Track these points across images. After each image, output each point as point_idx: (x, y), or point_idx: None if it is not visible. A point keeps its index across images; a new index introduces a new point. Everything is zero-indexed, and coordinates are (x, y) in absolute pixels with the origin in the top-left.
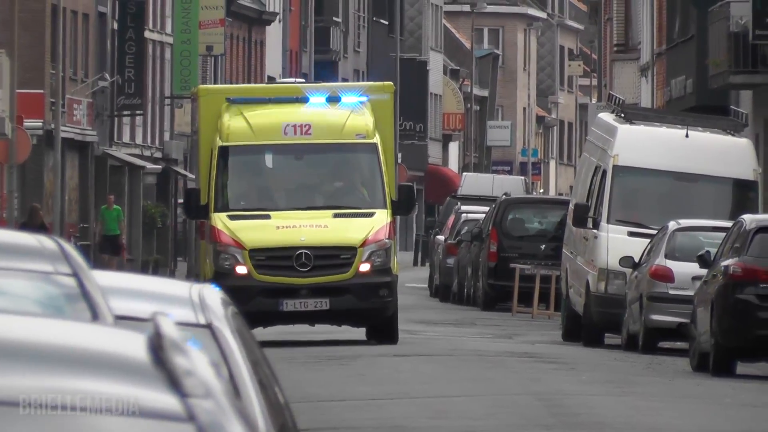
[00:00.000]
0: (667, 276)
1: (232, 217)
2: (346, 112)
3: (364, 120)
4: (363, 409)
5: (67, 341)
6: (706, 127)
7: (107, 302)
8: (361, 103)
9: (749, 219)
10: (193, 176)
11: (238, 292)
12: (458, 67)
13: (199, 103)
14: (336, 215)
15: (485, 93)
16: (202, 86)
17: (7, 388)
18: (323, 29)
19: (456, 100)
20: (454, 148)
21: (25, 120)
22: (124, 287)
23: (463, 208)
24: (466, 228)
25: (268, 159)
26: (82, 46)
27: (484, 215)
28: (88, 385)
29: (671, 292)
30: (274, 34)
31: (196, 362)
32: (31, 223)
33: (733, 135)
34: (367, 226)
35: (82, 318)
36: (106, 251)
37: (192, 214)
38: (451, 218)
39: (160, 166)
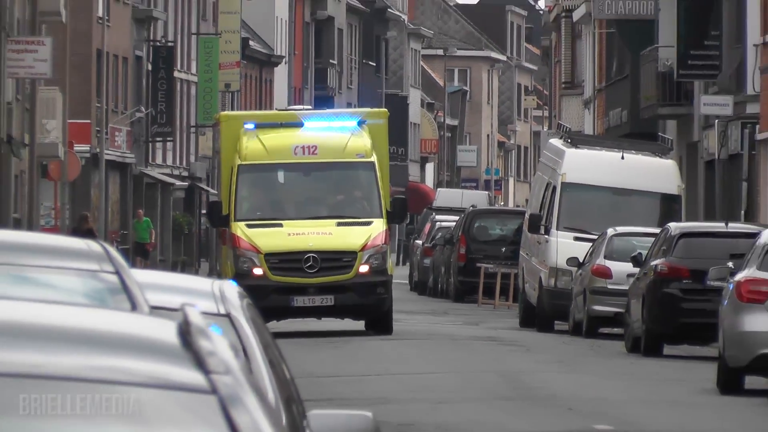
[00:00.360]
0: (606, 273)
1: (249, 226)
2: (347, 134)
3: (363, 141)
4: (352, 384)
5: (109, 327)
6: (639, 150)
7: (144, 295)
8: (359, 126)
9: (674, 226)
10: (216, 191)
11: (254, 291)
12: (433, 101)
13: (221, 127)
14: (339, 224)
15: (455, 122)
16: (223, 113)
17: (55, 365)
18: (322, 70)
19: (431, 128)
20: (429, 167)
21: (75, 145)
22: (157, 283)
23: (438, 217)
24: (440, 234)
25: (280, 176)
26: (122, 84)
27: (454, 223)
28: (126, 363)
29: (609, 286)
30: (280, 73)
31: (217, 345)
32: (80, 228)
33: (660, 157)
34: (366, 233)
35: (122, 308)
36: (138, 255)
37: (215, 223)
38: (428, 226)
39: (186, 183)
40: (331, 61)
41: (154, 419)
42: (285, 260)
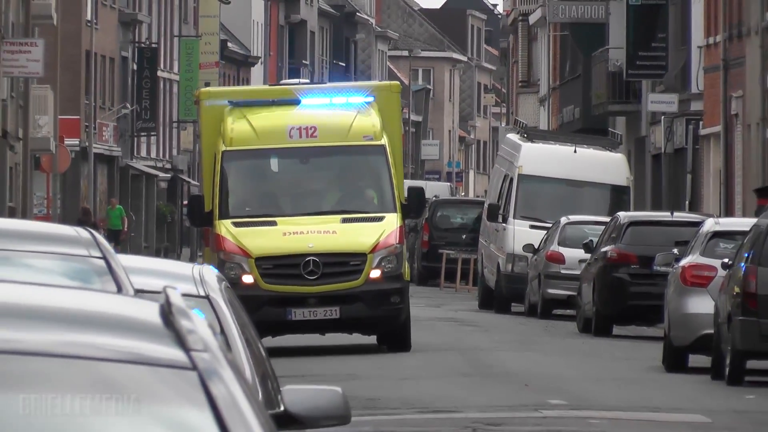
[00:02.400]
0: (559, 259)
1: (237, 224)
2: (353, 113)
3: (371, 121)
4: (324, 362)
5: (94, 307)
6: (590, 144)
7: (129, 278)
8: (367, 103)
9: (623, 215)
10: (197, 183)
11: (244, 302)
12: None
13: (201, 107)
14: (344, 220)
15: (420, 118)
16: (203, 89)
17: (37, 341)
18: (295, 69)
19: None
20: None
21: (65, 139)
22: (141, 267)
23: None
24: (405, 222)
25: (273, 163)
26: (109, 82)
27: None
28: (110, 341)
29: (563, 271)
30: (257, 73)
31: (197, 324)
32: (85, 221)
33: (610, 151)
34: (377, 231)
35: (108, 290)
36: (111, 241)
37: (196, 222)
38: None
39: (169, 175)
40: (303, 61)
41: (137, 393)
42: (280, 265)
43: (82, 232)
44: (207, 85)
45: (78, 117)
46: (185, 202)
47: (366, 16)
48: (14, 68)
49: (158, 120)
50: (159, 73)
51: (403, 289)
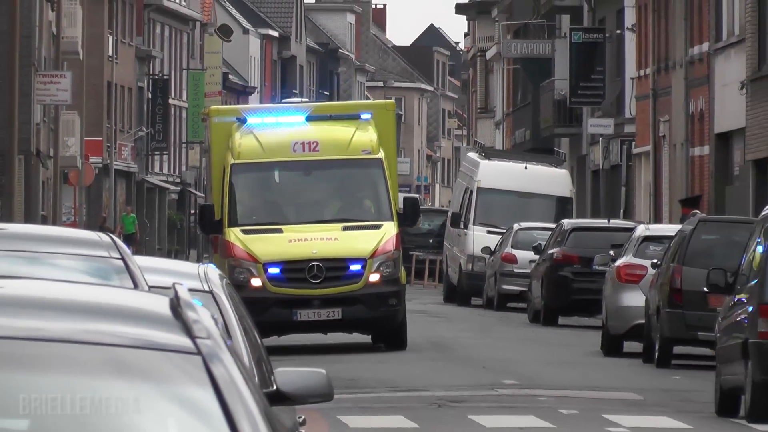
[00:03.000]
0: (512, 259)
1: (245, 232)
2: (352, 129)
3: (369, 136)
4: (311, 349)
5: (112, 301)
6: (538, 162)
7: (143, 276)
8: (365, 120)
9: (567, 222)
10: (203, 194)
11: (253, 304)
12: None
13: (211, 123)
14: (345, 228)
15: None
16: (213, 107)
17: (64, 330)
18: (286, 97)
19: None
20: None
21: (90, 157)
22: (154, 267)
23: None
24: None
25: (278, 175)
26: (127, 109)
27: None
28: (125, 329)
29: (515, 270)
30: (253, 101)
31: (201, 315)
32: (104, 228)
33: (556, 167)
34: (376, 238)
35: (126, 286)
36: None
37: (207, 229)
38: None
39: (179, 188)
40: (294, 91)
41: (149, 374)
42: (286, 270)
43: (103, 237)
44: None
45: (101, 138)
46: (193, 212)
47: (347, 52)
48: (46, 96)
49: (169, 141)
50: (170, 101)
51: (399, 291)
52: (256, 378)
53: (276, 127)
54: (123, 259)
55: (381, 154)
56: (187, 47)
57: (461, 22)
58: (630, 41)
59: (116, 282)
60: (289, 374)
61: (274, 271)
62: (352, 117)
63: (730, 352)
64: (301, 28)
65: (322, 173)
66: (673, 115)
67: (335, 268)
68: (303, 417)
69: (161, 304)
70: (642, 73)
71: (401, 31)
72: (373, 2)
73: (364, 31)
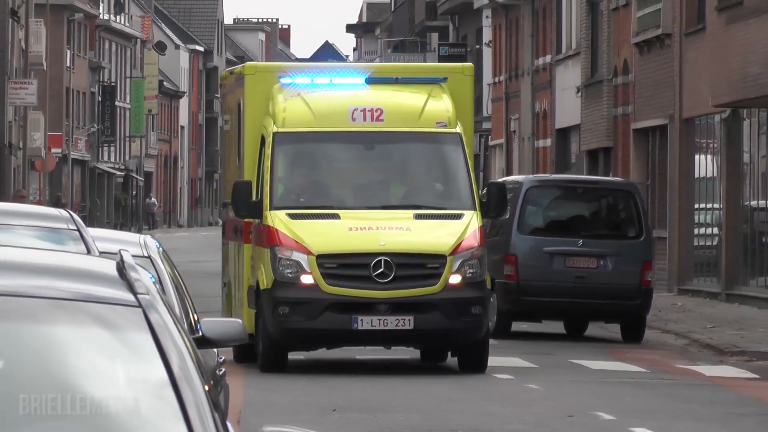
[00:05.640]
0: None
1: (292, 216)
2: (423, 95)
3: (445, 105)
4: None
5: (70, 263)
6: None
7: (95, 244)
8: (439, 84)
9: None
10: (142, 178)
11: (302, 306)
12: None
13: (246, 82)
14: (418, 216)
15: None
16: (249, 63)
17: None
18: (209, 101)
19: None
20: None
21: (52, 148)
22: (104, 236)
23: None
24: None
25: (334, 148)
26: (82, 109)
27: None
28: (82, 286)
29: None
30: (184, 103)
31: (142, 276)
32: (59, 205)
33: None
34: (457, 231)
35: (81, 252)
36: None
37: (242, 212)
38: None
39: (123, 173)
40: (216, 95)
41: (100, 322)
42: (346, 265)
43: (63, 212)
44: (150, 111)
45: (60, 133)
46: (134, 192)
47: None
48: (17, 99)
49: (116, 135)
50: (116, 103)
51: (485, 298)
52: (185, 324)
53: (330, 89)
54: (78, 230)
55: (459, 128)
56: (130, 59)
57: (351, 39)
58: (487, 54)
59: (72, 249)
60: (212, 323)
61: (330, 265)
62: (424, 81)
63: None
64: (222, 44)
65: (387, 148)
66: (522, 114)
67: (408, 265)
68: (224, 358)
69: (109, 267)
70: (497, 79)
71: (303, 46)
72: (279, 23)
73: (272, 46)
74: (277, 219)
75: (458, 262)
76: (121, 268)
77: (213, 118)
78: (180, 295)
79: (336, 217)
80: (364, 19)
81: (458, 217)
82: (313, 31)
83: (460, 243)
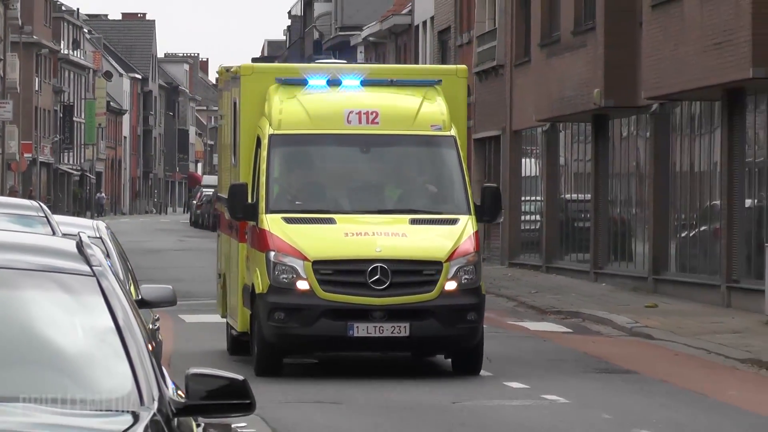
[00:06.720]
0: None
1: (288, 220)
2: (418, 98)
3: (439, 108)
4: (162, 271)
5: (38, 242)
6: None
7: (59, 228)
8: (433, 86)
9: None
10: (94, 177)
11: (297, 313)
12: (201, 132)
13: (242, 83)
14: (413, 221)
15: (213, 141)
16: (245, 64)
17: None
18: (146, 117)
19: (201, 144)
20: (200, 165)
21: (24, 153)
22: (66, 222)
23: (203, 189)
24: (204, 197)
25: (329, 151)
26: (47, 124)
27: (212, 191)
28: (46, 260)
29: None
30: (126, 118)
31: (96, 252)
32: (29, 197)
33: None
34: (453, 236)
35: (47, 233)
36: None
37: (238, 214)
38: (199, 194)
39: (79, 173)
40: (151, 113)
41: (63, 288)
42: (342, 272)
43: (33, 203)
44: (100, 125)
45: (31, 142)
46: (88, 188)
47: (184, 88)
48: None
49: (74, 143)
50: (74, 119)
51: (479, 304)
52: (130, 289)
53: (325, 91)
54: (45, 216)
55: (453, 131)
56: (84, 85)
57: None
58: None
59: (41, 231)
60: (148, 289)
61: (326, 272)
62: (418, 84)
63: None
64: (155, 73)
65: (382, 151)
66: None
67: (404, 272)
68: (158, 316)
69: (70, 245)
70: None
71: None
72: (201, 57)
73: (195, 74)
74: (273, 223)
75: (454, 269)
76: (80, 246)
77: (149, 130)
78: (124, 267)
79: (332, 221)
80: (266, 53)
81: (454, 222)
82: (227, 62)
83: (456, 249)
